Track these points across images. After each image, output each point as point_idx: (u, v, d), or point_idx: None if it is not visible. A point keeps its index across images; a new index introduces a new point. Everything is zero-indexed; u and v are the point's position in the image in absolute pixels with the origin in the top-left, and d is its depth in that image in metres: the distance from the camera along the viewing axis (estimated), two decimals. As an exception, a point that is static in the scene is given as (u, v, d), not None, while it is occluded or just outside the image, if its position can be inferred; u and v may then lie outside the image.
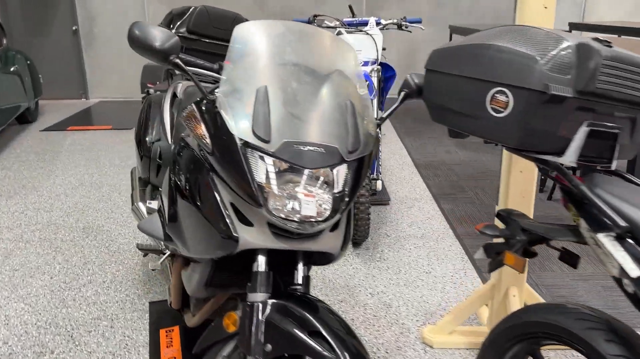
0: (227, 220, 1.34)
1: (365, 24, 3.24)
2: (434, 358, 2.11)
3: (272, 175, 1.29)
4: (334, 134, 1.34)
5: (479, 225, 1.48)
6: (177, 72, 2.73)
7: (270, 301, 1.39)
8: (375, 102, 3.11)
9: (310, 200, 1.32)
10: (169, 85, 2.79)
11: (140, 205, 2.49)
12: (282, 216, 1.29)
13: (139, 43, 1.34)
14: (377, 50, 3.15)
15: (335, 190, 1.33)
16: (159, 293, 2.62)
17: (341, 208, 1.34)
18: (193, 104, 1.44)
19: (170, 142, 2.36)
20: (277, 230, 1.34)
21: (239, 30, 1.44)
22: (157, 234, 1.79)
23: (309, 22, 3.33)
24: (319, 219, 1.31)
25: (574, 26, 6.16)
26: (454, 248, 3.05)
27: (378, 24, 3.22)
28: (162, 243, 2.25)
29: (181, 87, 2.59)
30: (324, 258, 1.50)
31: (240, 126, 1.31)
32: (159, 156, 2.37)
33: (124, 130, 5.92)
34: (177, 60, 1.35)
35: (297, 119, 1.33)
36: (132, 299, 2.57)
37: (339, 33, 3.14)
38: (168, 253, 2.23)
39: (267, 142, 1.29)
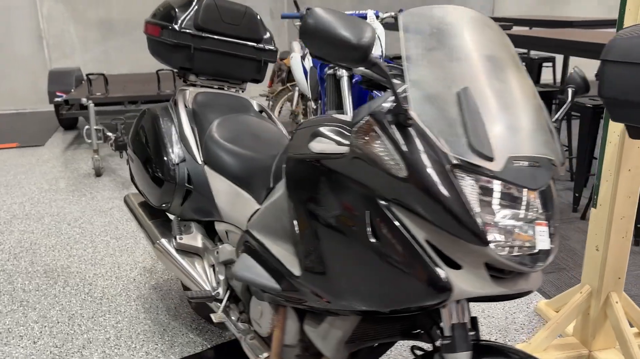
0: (429, 264, 1.03)
1: (364, 17, 2.99)
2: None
3: (496, 202, 1.02)
4: (545, 142, 1.09)
5: None
6: (189, 80, 2.28)
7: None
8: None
9: (543, 230, 1.06)
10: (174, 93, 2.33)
11: (165, 242, 2.03)
12: (512, 253, 1.02)
13: (323, 36, 0.98)
14: (381, 46, 2.91)
15: (550, 212, 1.08)
16: (184, 344, 2.16)
17: (557, 233, 1.11)
18: (369, 116, 1.10)
19: (199, 162, 1.95)
20: (493, 272, 1.07)
21: (410, 18, 1.13)
22: (264, 282, 1.40)
23: (302, 16, 3.01)
24: (550, 252, 1.06)
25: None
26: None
27: (377, 17, 2.98)
28: (217, 290, 1.85)
29: (189, 96, 2.17)
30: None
31: (450, 142, 1.01)
32: (187, 180, 1.95)
33: (35, 147, 5.10)
34: (379, 61, 1.01)
35: (511, 128, 1.05)
36: (156, 356, 2.10)
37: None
38: (225, 301, 1.84)
39: (490, 159, 1.00)
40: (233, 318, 1.82)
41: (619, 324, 1.88)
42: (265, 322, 1.59)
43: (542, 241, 1.05)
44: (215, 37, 2.24)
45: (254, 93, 7.41)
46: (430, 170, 1.01)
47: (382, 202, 1.08)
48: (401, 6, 7.47)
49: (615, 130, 1.81)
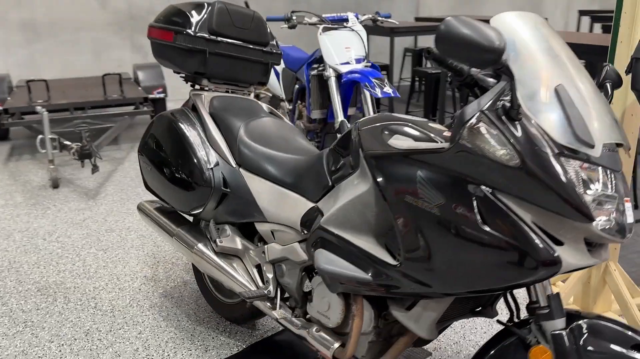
0: (538, 242, 1.18)
1: (345, 19, 3.10)
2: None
3: (595, 183, 1.19)
4: (619, 130, 1.28)
5: None
6: (204, 84, 2.28)
7: (575, 324, 1.30)
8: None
9: (629, 206, 1.25)
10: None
11: (202, 246, 2.04)
12: (609, 227, 1.19)
13: (459, 42, 1.09)
14: (364, 47, 3.04)
15: (627, 190, 1.28)
16: (218, 347, 2.17)
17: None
18: (481, 113, 1.22)
19: (233, 165, 1.98)
20: (588, 246, 1.24)
21: (502, 22, 1.27)
22: (349, 273, 1.48)
23: (287, 19, 3.06)
24: (633, 224, 1.25)
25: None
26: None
27: (356, 19, 3.11)
28: (268, 288, 1.89)
29: (205, 99, 2.20)
30: None
31: (557, 132, 1.16)
32: (223, 184, 1.97)
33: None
34: (507, 63, 1.13)
35: (599, 118, 1.23)
36: (193, 362, 2.10)
37: (327, 29, 2.95)
38: (278, 298, 1.89)
39: (592, 147, 1.17)
40: (289, 314, 1.87)
41: (618, 289, 2.14)
42: (335, 314, 1.67)
43: (630, 216, 1.23)
44: (229, 41, 2.26)
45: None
46: (541, 158, 1.15)
47: (489, 190, 1.20)
48: (330, 7, 7.65)
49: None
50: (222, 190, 1.99)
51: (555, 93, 1.19)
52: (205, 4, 2.27)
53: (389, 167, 1.38)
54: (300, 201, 1.76)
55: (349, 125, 2.97)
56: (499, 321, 1.48)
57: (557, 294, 1.31)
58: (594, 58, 3.29)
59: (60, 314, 2.42)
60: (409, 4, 8.16)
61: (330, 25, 3.01)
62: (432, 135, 1.39)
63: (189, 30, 2.20)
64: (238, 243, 2.02)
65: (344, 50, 2.96)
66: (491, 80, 1.29)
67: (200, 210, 2.03)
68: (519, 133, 1.17)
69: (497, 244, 1.20)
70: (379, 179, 1.40)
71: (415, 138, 1.42)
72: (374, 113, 3.13)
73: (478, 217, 1.22)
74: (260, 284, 1.96)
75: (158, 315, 2.40)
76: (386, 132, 1.47)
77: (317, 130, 3.41)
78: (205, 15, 2.24)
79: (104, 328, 2.31)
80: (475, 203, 1.22)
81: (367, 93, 3.00)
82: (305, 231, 1.72)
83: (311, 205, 1.72)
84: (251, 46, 2.32)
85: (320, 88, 3.13)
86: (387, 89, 2.74)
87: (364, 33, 3.07)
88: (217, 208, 2.03)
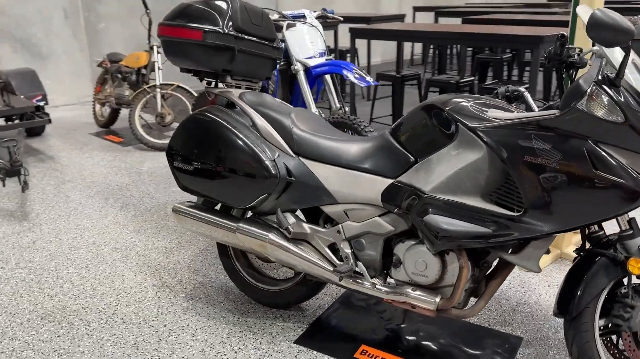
0: (637, 178, 1.58)
1: (303, 16, 3.26)
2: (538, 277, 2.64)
3: None
4: None
5: None
6: (226, 81, 2.30)
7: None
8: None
9: None
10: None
11: (274, 236, 2.12)
12: None
13: (608, 28, 1.42)
14: (324, 42, 3.24)
15: None
16: (283, 332, 2.25)
17: None
18: (595, 83, 1.56)
19: (292, 155, 2.11)
20: None
21: (588, 12, 1.64)
22: (468, 230, 1.74)
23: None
24: None
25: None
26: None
27: (312, 15, 3.29)
28: (349, 263, 2.06)
29: (236, 95, 2.27)
30: None
31: None
32: (288, 174, 2.09)
33: None
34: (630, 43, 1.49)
35: None
36: (270, 345, 2.14)
37: (290, 25, 3.08)
38: (365, 270, 2.07)
39: None
40: (372, 282, 2.05)
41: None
42: (433, 271, 1.91)
43: None
44: (251, 38, 2.33)
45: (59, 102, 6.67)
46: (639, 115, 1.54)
47: (595, 142, 1.57)
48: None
49: None
50: (287, 179, 2.08)
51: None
52: (225, 2, 2.31)
53: (505, 136, 1.67)
54: (375, 180, 1.96)
55: (322, 115, 3.16)
56: (578, 250, 1.86)
57: (634, 218, 1.73)
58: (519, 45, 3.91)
59: (89, 335, 2.26)
60: (268, 2, 8.41)
61: (292, 22, 3.15)
62: (506, 106, 1.74)
63: (218, 28, 2.23)
64: (305, 227, 2.14)
65: (309, 44, 3.13)
66: (584, 58, 1.66)
67: (261, 202, 2.10)
68: (621, 97, 1.55)
69: (606, 183, 1.57)
70: (496, 146, 1.68)
71: (505, 110, 1.74)
72: (338, 103, 3.36)
73: (590, 164, 1.58)
74: (337, 261, 2.11)
75: (200, 316, 2.38)
76: (477, 108, 1.77)
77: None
78: (230, 13, 2.28)
79: (152, 339, 2.23)
80: (586, 154, 1.58)
81: (331, 85, 3.22)
82: (388, 206, 1.92)
83: (389, 181, 1.93)
84: (266, 42, 2.41)
85: (283, 81, 3.26)
86: (370, 79, 3.00)
87: (321, 28, 3.27)
88: (279, 198, 2.12)
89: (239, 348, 2.17)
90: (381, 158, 1.97)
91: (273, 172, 2.05)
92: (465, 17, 5.75)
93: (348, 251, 2.07)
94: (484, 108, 1.79)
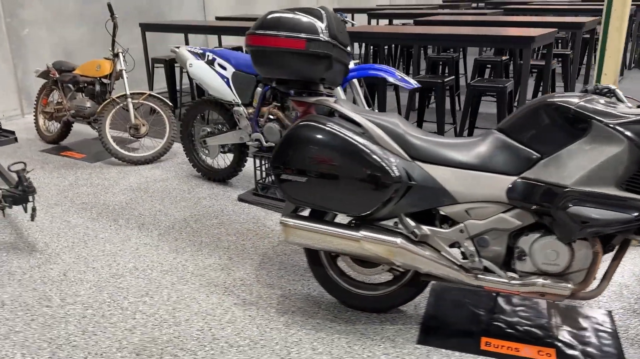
0: None
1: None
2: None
3: None
4: None
5: None
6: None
7: None
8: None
9: None
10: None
11: (403, 241, 2.15)
12: None
13: None
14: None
15: None
16: (412, 328, 2.29)
17: None
18: None
19: (409, 159, 2.18)
20: None
21: None
22: (614, 217, 1.90)
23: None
24: None
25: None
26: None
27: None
28: (474, 261, 2.16)
29: (335, 103, 2.29)
30: None
31: None
32: (409, 177, 2.15)
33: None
34: None
35: None
36: (369, 340, 2.17)
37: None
38: (492, 266, 2.18)
39: None
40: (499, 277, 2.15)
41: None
42: (564, 259, 2.06)
43: None
44: (341, 46, 2.34)
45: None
46: None
47: None
48: (121, 7, 7.16)
49: None
50: (408, 183, 2.13)
51: None
52: (319, 10, 2.30)
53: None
54: (497, 178, 2.08)
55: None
56: None
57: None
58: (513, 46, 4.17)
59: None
60: (196, 4, 8.16)
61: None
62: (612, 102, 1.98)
63: (319, 36, 2.21)
64: (426, 229, 2.19)
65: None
66: None
67: (382, 208, 2.13)
68: None
69: None
70: (637, 139, 1.87)
71: (626, 106, 1.96)
72: (367, 107, 3.41)
73: None
74: (462, 260, 2.19)
75: (306, 330, 2.33)
76: (601, 104, 1.96)
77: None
78: (327, 21, 2.27)
79: (274, 358, 2.16)
80: None
81: (359, 89, 3.26)
82: (516, 201, 2.04)
83: (513, 178, 2.06)
84: (346, 49, 2.43)
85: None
86: (413, 81, 3.08)
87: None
88: (399, 202, 2.16)
89: (367, 356, 2.17)
90: (499, 156, 2.08)
91: (395, 178, 2.09)
92: (416, 18, 6.05)
93: (472, 249, 2.16)
94: (612, 105, 1.97)
